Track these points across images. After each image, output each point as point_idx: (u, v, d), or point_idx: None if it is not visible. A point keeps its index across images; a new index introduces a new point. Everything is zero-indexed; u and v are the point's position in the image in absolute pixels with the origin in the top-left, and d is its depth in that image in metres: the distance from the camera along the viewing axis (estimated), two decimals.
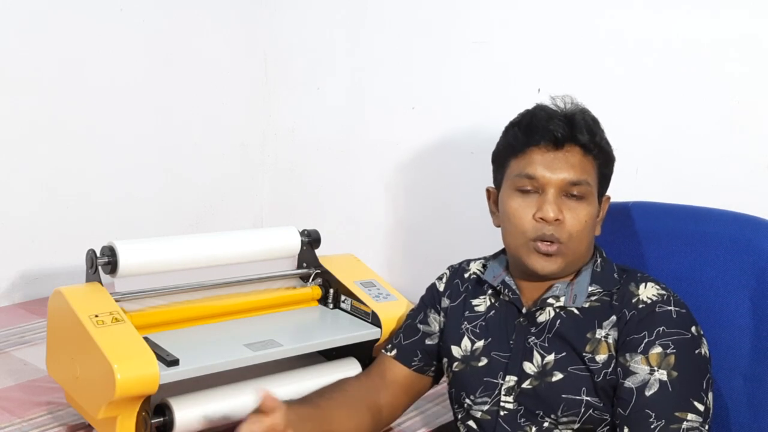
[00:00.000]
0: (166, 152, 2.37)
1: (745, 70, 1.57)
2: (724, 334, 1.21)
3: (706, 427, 1.07)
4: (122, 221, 2.25)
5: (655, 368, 1.08)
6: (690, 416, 1.06)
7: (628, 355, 1.11)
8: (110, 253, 1.35)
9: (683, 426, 1.05)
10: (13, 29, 1.99)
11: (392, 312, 1.47)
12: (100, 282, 1.37)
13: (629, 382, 1.10)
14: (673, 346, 1.09)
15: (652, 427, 1.06)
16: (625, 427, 1.09)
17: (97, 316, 1.25)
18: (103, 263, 1.35)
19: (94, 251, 1.37)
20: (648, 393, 1.08)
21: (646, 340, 1.10)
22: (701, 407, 1.07)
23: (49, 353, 1.39)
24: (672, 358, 1.08)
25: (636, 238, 1.34)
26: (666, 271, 1.28)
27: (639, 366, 1.10)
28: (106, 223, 2.20)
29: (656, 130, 1.70)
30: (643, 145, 1.71)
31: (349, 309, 1.54)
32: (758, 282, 1.18)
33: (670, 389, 1.07)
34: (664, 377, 1.08)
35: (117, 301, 1.34)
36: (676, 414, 1.06)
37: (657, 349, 1.09)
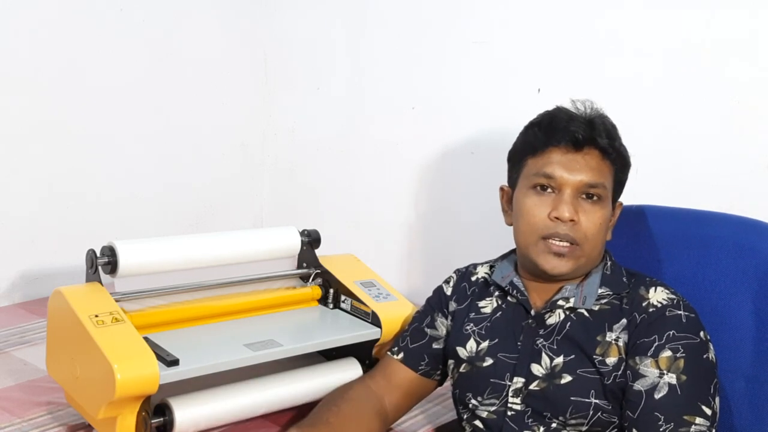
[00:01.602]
0: (166, 152, 2.37)
1: (745, 71, 1.57)
2: (727, 337, 1.22)
3: (713, 431, 1.07)
4: (122, 221, 2.25)
5: (665, 372, 1.09)
6: (698, 420, 1.06)
7: (637, 358, 1.11)
8: (110, 253, 1.35)
9: (691, 429, 1.06)
10: (13, 29, 1.99)
11: (392, 312, 1.47)
12: (100, 282, 1.37)
13: (638, 385, 1.10)
14: (682, 350, 1.09)
15: (661, 429, 1.06)
16: (634, 429, 1.09)
17: (97, 316, 1.25)
18: (103, 263, 1.35)
19: (94, 251, 1.37)
20: (657, 396, 1.08)
21: (657, 343, 1.10)
22: (709, 411, 1.07)
23: (49, 353, 1.39)
24: (681, 362, 1.09)
25: (639, 240, 1.34)
26: (669, 274, 1.28)
27: (648, 369, 1.10)
28: (106, 223, 2.20)
29: (656, 131, 1.70)
30: (643, 145, 1.71)
31: (349, 309, 1.54)
32: (760, 285, 1.18)
33: (679, 393, 1.07)
34: (674, 381, 1.08)
35: (117, 301, 1.34)
36: (685, 417, 1.06)
37: (667, 353, 1.09)
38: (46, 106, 2.08)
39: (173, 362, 1.23)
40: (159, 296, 1.43)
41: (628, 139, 1.70)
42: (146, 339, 1.26)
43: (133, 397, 1.19)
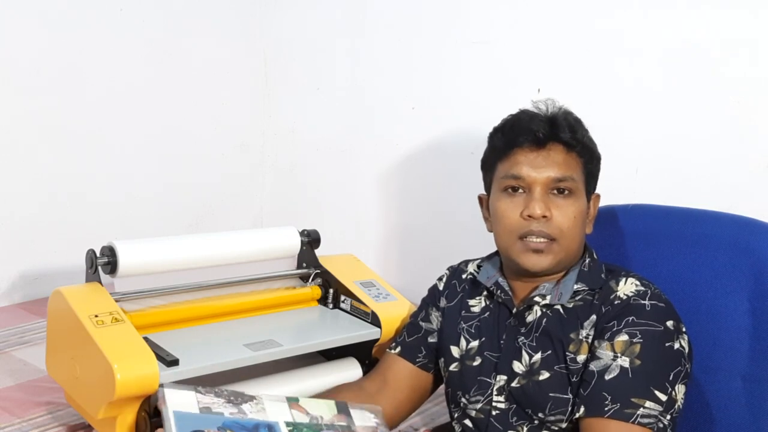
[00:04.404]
0: (166, 152, 2.37)
1: (745, 71, 1.57)
2: (723, 336, 1.22)
3: (668, 417, 1.07)
4: (122, 221, 2.25)
5: (619, 354, 1.10)
6: (648, 404, 1.07)
7: (596, 342, 1.13)
8: (110, 253, 1.35)
9: (639, 412, 1.06)
10: (14, 31, 2.00)
11: (392, 312, 1.47)
12: (100, 282, 1.37)
13: (593, 366, 1.12)
14: (640, 336, 1.10)
15: (606, 408, 1.07)
16: (582, 406, 1.10)
17: (96, 316, 1.26)
18: (103, 263, 1.35)
19: (94, 251, 1.37)
20: (608, 377, 1.09)
21: (615, 328, 1.12)
22: (663, 397, 1.07)
23: (49, 353, 1.39)
24: (637, 347, 1.10)
25: (635, 239, 1.35)
26: (665, 273, 1.28)
27: (604, 352, 1.11)
28: (106, 223, 2.20)
29: (656, 131, 1.70)
30: (643, 145, 1.72)
31: (348, 309, 1.54)
32: (756, 283, 1.19)
33: (630, 376, 1.08)
34: (626, 364, 1.09)
35: (117, 301, 1.34)
36: (633, 400, 1.07)
37: (623, 337, 1.11)
38: (47, 106, 2.08)
39: (173, 362, 1.24)
40: (159, 296, 1.44)
41: (627, 138, 1.71)
42: (146, 339, 1.27)
43: (133, 397, 1.19)
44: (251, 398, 1.11)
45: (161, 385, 1.07)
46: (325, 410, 1.14)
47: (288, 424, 1.08)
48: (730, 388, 1.21)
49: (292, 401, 1.13)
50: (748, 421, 1.20)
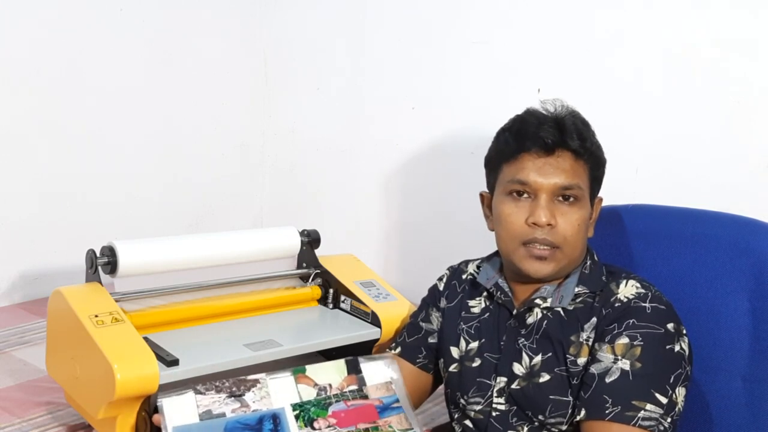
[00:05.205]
0: (166, 153, 2.37)
1: (744, 71, 1.57)
2: (723, 336, 1.22)
3: (669, 420, 1.07)
4: (122, 221, 2.25)
5: (619, 357, 1.10)
6: (649, 406, 1.06)
7: (597, 345, 1.13)
8: (110, 253, 1.35)
9: (639, 414, 1.06)
10: (13, 30, 2.00)
11: (392, 312, 1.47)
12: (100, 282, 1.37)
13: (593, 369, 1.12)
14: (640, 339, 1.10)
15: (607, 411, 1.07)
16: (583, 409, 1.10)
17: (96, 316, 1.26)
18: (103, 263, 1.35)
19: (94, 251, 1.37)
20: (608, 380, 1.09)
21: (615, 331, 1.12)
22: (663, 400, 1.07)
23: (49, 353, 1.39)
24: (638, 350, 1.09)
25: (635, 240, 1.35)
26: (665, 273, 1.28)
27: (604, 354, 1.11)
28: (106, 223, 2.20)
29: (656, 131, 1.71)
30: (643, 146, 1.72)
31: (348, 309, 1.54)
32: (757, 283, 1.19)
33: (630, 378, 1.08)
34: (627, 367, 1.09)
35: (117, 301, 1.34)
36: (634, 402, 1.07)
37: (623, 340, 1.11)
38: (46, 106, 2.08)
39: (173, 362, 1.24)
40: (159, 296, 1.44)
41: (627, 139, 1.71)
42: (146, 339, 1.27)
43: (133, 397, 1.19)
44: (254, 383, 1.09)
45: (158, 398, 1.05)
46: (335, 375, 1.12)
47: (294, 406, 1.06)
48: (730, 388, 1.21)
49: (299, 373, 1.11)
50: (748, 422, 1.20)
